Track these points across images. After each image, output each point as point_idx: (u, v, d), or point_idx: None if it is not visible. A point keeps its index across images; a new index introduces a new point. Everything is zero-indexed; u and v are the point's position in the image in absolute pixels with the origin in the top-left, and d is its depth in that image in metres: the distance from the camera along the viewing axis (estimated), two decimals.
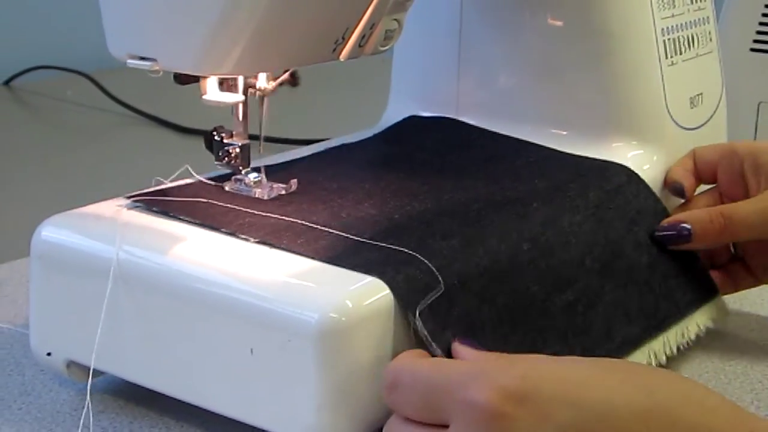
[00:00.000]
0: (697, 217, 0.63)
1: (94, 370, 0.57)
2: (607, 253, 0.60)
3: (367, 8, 0.57)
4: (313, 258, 0.51)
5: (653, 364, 0.58)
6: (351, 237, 0.53)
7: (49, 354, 0.58)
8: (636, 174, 0.66)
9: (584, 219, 0.60)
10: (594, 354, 0.54)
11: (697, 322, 0.63)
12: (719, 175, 0.67)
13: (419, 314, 0.48)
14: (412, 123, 0.75)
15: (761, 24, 0.90)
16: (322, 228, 0.54)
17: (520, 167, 0.66)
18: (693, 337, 0.62)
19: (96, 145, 1.18)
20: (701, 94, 0.74)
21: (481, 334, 0.51)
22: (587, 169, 0.65)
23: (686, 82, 0.72)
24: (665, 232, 0.63)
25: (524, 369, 0.43)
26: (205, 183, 0.61)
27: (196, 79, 0.57)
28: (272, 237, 0.53)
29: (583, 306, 0.56)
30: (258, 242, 0.53)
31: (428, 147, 0.70)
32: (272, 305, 0.49)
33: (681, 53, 0.73)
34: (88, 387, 0.54)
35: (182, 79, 0.57)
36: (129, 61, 0.56)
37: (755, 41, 0.90)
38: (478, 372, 0.43)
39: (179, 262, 0.53)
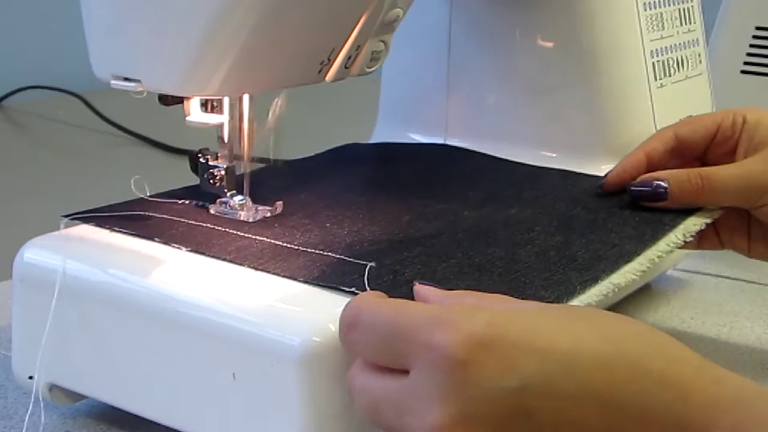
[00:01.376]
0: (675, 175, 0.62)
1: (75, 393, 0.56)
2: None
3: (353, 29, 0.57)
4: (296, 280, 0.51)
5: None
6: (335, 258, 0.53)
7: (31, 377, 0.57)
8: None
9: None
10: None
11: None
12: (707, 155, 0.66)
13: None
14: (402, 144, 0.75)
15: (752, 46, 0.90)
16: (307, 250, 0.54)
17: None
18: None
19: (86, 166, 1.18)
20: (691, 116, 0.74)
21: None
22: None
23: (676, 104, 0.72)
24: (641, 188, 0.62)
25: (490, 315, 0.41)
26: (190, 204, 0.61)
27: (180, 100, 0.57)
28: (256, 260, 0.53)
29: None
30: (241, 265, 0.53)
31: (416, 167, 0.70)
32: (254, 329, 0.48)
33: (670, 75, 0.72)
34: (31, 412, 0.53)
35: (167, 100, 0.57)
36: (113, 82, 0.55)
37: (746, 63, 0.90)
38: (443, 317, 0.41)
39: (162, 285, 0.52)
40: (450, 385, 0.40)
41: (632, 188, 0.63)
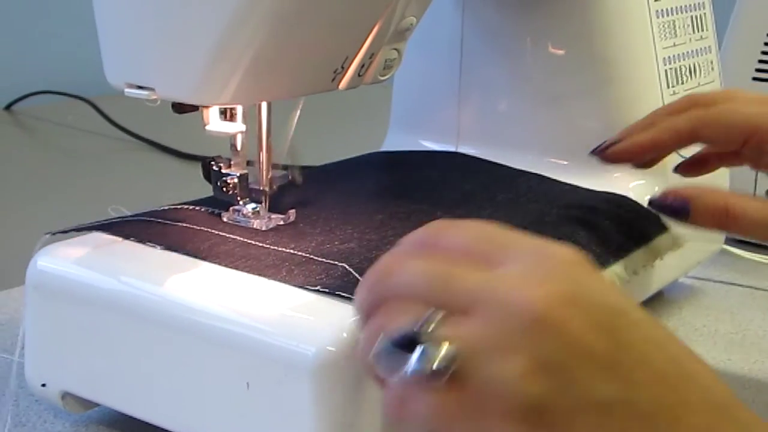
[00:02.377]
0: (700, 201, 0.56)
1: (88, 401, 0.56)
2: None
3: (367, 38, 0.57)
4: (310, 290, 0.51)
5: None
6: (349, 267, 0.53)
7: (44, 385, 0.57)
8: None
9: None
10: None
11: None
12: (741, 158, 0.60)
13: None
14: (414, 151, 0.75)
15: (763, 53, 0.90)
16: (320, 259, 0.54)
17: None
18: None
19: (96, 171, 1.18)
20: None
21: None
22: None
23: None
24: (662, 202, 0.57)
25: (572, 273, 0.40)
26: (203, 212, 0.61)
27: (193, 108, 0.57)
28: (270, 269, 0.53)
29: None
30: (255, 274, 0.53)
31: (432, 175, 0.70)
32: (268, 338, 0.48)
33: (683, 83, 0.72)
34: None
35: (180, 108, 0.57)
36: (127, 90, 0.55)
37: (757, 70, 0.90)
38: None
39: (175, 293, 0.52)
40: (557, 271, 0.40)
41: (654, 199, 0.58)
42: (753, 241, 0.80)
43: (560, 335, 0.38)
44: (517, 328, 0.38)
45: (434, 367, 0.37)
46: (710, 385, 0.40)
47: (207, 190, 0.62)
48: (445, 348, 0.37)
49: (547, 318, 0.38)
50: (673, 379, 0.39)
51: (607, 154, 0.62)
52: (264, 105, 0.58)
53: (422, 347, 0.37)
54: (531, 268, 0.40)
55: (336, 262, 0.53)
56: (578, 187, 0.68)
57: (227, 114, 0.58)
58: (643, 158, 0.62)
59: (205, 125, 0.58)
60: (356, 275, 0.51)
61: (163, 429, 0.53)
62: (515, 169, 0.70)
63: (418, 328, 0.38)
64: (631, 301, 0.40)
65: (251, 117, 0.59)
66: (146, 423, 0.54)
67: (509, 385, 0.37)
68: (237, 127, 0.58)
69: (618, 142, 0.62)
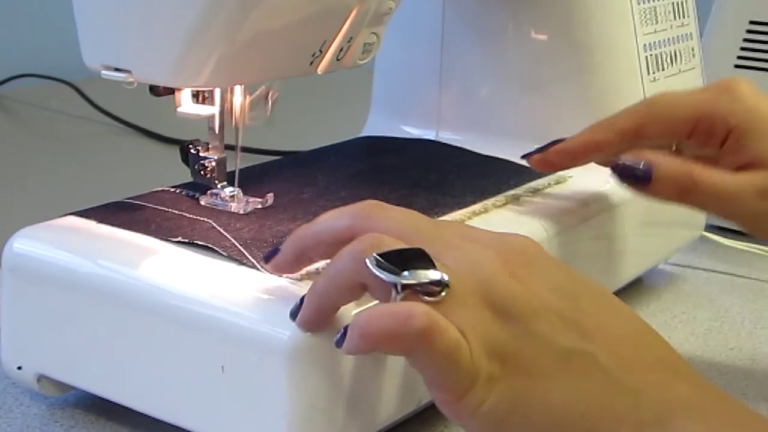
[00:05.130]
0: (664, 166, 0.55)
1: (64, 384, 0.56)
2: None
3: (345, 21, 0.57)
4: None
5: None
6: None
7: (19, 368, 0.57)
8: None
9: None
10: None
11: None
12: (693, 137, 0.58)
13: None
14: (391, 137, 0.74)
15: (746, 41, 0.90)
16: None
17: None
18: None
19: (79, 155, 1.17)
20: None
21: None
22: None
23: None
24: (625, 162, 0.56)
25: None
26: (180, 195, 0.61)
27: (171, 91, 0.57)
28: (246, 252, 0.53)
29: None
30: (231, 258, 0.53)
31: (408, 160, 0.70)
32: (244, 321, 0.48)
33: (664, 69, 0.72)
34: None
35: (158, 91, 0.57)
36: (104, 72, 0.55)
37: (739, 57, 0.90)
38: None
39: (151, 276, 0.52)
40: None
41: (617, 161, 0.57)
42: (733, 228, 0.80)
43: (518, 290, 0.42)
44: (483, 280, 0.41)
45: (434, 278, 0.41)
46: (664, 350, 0.43)
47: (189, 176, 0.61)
48: (437, 271, 0.41)
49: (502, 274, 0.42)
50: (629, 341, 0.42)
51: (547, 157, 0.61)
52: (238, 88, 0.58)
53: (416, 265, 0.41)
54: (489, 242, 0.44)
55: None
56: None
57: (200, 97, 0.57)
58: (580, 161, 0.61)
59: (176, 108, 0.57)
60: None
61: (138, 412, 0.53)
62: (485, 156, 0.70)
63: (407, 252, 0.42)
64: (587, 278, 0.44)
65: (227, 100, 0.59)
66: (122, 406, 0.54)
67: (477, 328, 0.41)
68: (209, 109, 0.58)
69: (560, 142, 0.61)
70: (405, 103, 0.76)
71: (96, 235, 0.56)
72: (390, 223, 0.44)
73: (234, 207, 0.59)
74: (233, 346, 0.48)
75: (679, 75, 0.74)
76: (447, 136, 0.74)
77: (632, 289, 0.76)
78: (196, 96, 0.57)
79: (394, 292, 0.41)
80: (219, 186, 0.60)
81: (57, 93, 1.37)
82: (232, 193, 0.59)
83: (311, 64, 0.57)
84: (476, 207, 0.61)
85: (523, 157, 0.63)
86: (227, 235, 0.54)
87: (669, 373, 0.42)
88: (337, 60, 0.58)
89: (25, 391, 0.60)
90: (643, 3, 0.70)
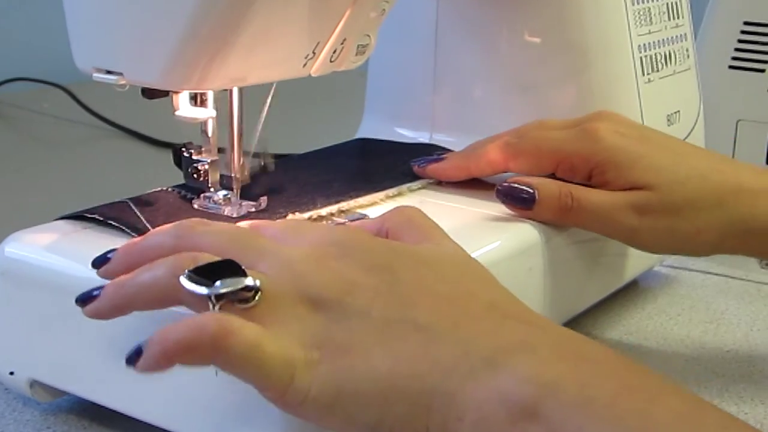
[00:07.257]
0: (546, 187, 0.59)
1: (57, 389, 0.56)
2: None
3: (339, 23, 0.56)
4: None
5: None
6: None
7: (12, 373, 0.56)
8: None
9: None
10: None
11: None
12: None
13: None
14: (393, 141, 0.74)
15: (740, 41, 0.90)
16: None
17: None
18: None
19: (71, 158, 1.17)
20: (678, 111, 0.73)
21: None
22: None
23: (663, 100, 0.72)
24: (509, 190, 0.60)
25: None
26: (174, 199, 0.60)
27: (163, 94, 0.56)
28: None
29: None
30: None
31: (401, 162, 0.70)
32: None
33: (658, 70, 0.72)
34: None
35: (149, 93, 0.56)
36: (95, 74, 0.55)
37: (734, 58, 0.90)
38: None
39: None
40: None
41: (500, 185, 0.61)
42: None
43: (329, 278, 0.43)
44: (295, 278, 0.43)
45: (245, 284, 0.42)
46: (496, 298, 0.45)
47: (181, 178, 0.61)
48: (249, 277, 0.43)
49: (314, 269, 0.44)
50: (453, 299, 0.44)
51: (425, 171, 0.66)
52: (235, 90, 0.58)
53: (228, 275, 0.43)
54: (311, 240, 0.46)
55: None
56: None
57: (197, 99, 0.57)
58: (453, 180, 0.66)
59: (174, 111, 0.57)
60: None
61: (131, 417, 0.53)
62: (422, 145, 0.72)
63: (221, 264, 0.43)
64: (413, 247, 0.47)
65: (223, 103, 0.58)
66: (115, 411, 0.54)
67: (291, 323, 0.42)
68: (206, 113, 0.57)
69: (440, 161, 0.66)
70: (399, 105, 0.76)
71: (88, 239, 0.55)
72: (207, 238, 0.46)
73: (227, 210, 0.58)
74: None
75: (673, 76, 0.74)
76: (441, 138, 0.74)
77: (628, 292, 0.76)
78: (194, 99, 0.57)
79: (210, 305, 0.43)
80: (212, 189, 0.59)
81: (49, 96, 1.36)
82: (226, 196, 0.59)
83: (304, 66, 0.57)
84: (391, 191, 0.64)
85: (413, 163, 0.67)
86: None
87: (498, 319, 0.43)
88: (331, 62, 0.58)
89: (17, 397, 0.59)
90: (638, 4, 0.70)
